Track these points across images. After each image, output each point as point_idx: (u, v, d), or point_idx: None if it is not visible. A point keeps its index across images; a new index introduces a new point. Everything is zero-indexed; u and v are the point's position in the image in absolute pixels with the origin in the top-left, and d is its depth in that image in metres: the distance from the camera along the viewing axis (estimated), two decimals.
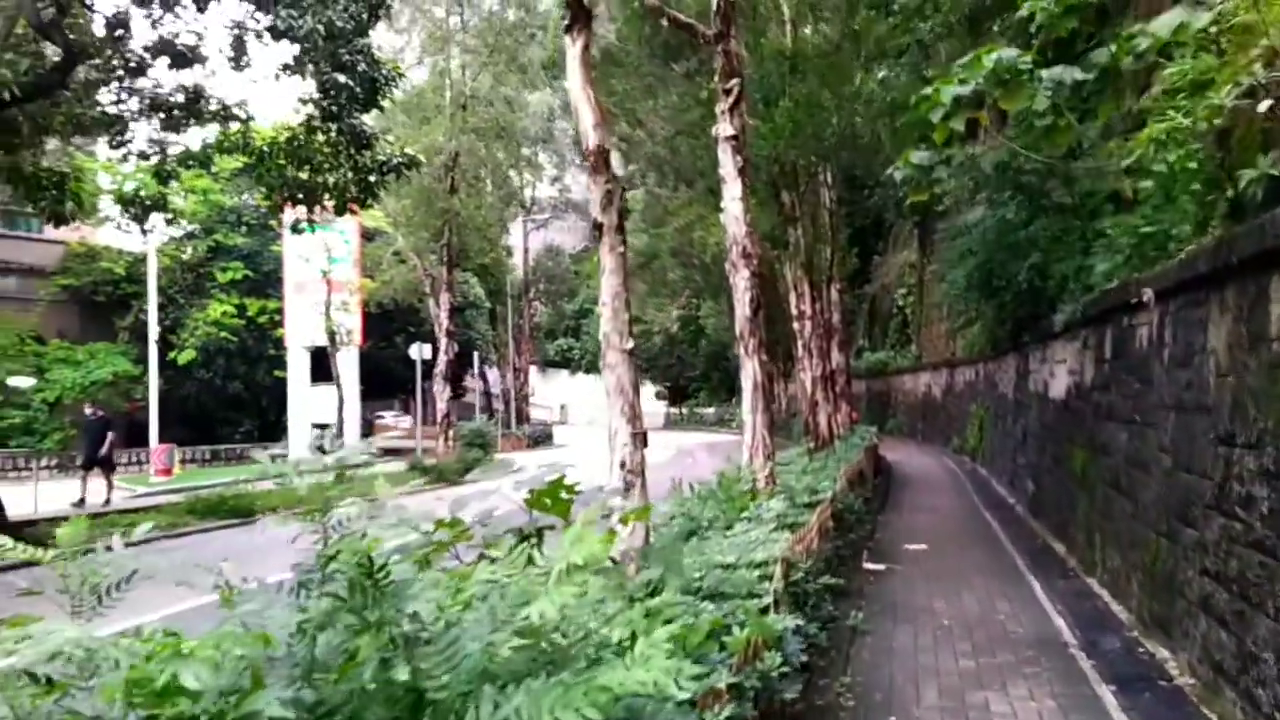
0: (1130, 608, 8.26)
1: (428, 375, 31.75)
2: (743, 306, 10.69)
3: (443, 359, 31.10)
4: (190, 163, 33.79)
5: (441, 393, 31.20)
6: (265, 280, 40.92)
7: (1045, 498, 13.63)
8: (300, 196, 18.99)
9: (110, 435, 21.30)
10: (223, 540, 15.76)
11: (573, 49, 6.58)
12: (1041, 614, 8.57)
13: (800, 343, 17.48)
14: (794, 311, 17.68)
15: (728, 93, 10.68)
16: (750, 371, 10.68)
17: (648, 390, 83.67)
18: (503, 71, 31.71)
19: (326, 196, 18.82)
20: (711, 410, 70.18)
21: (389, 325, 43.75)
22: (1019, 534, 13.26)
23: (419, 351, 29.59)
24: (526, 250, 63.48)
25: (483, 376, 63.48)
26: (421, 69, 32.04)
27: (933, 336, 37.03)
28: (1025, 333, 15.34)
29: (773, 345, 47.11)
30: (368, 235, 36.86)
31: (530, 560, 2.65)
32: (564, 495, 3.62)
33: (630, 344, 5.96)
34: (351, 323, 34.54)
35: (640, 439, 5.87)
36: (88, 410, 22.71)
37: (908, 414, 40.18)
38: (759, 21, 16.82)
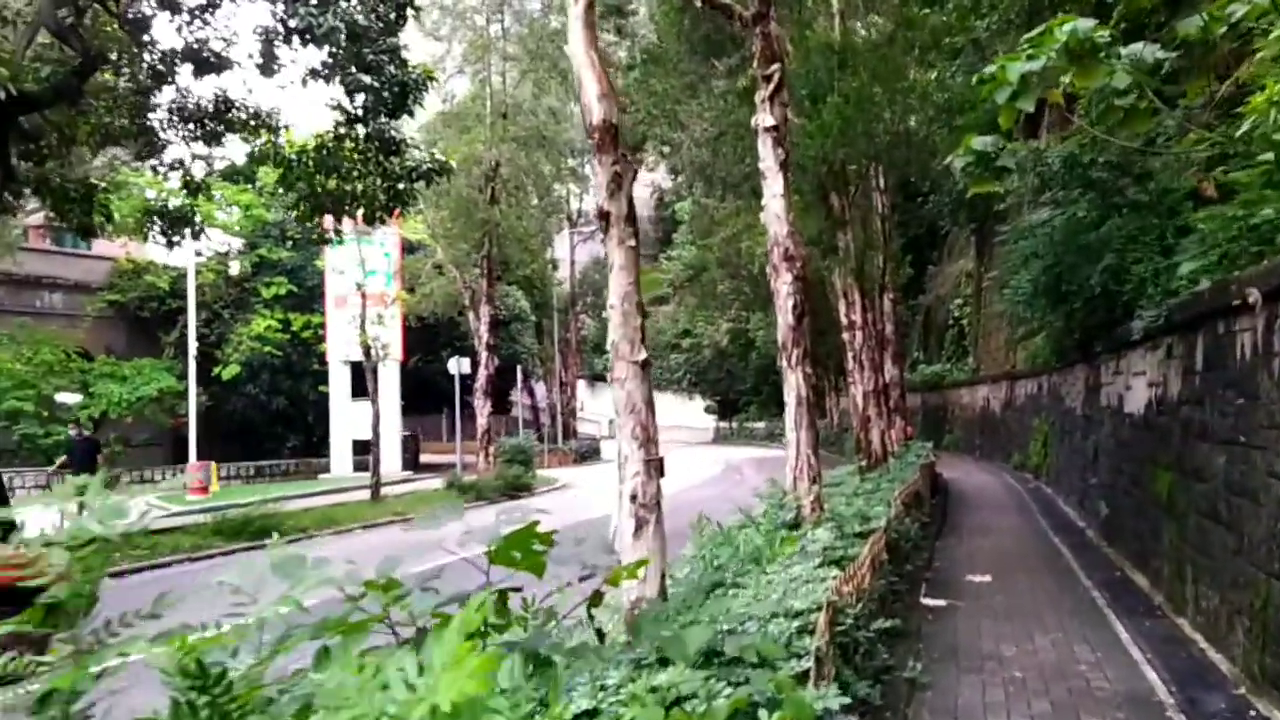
0: (1233, 658, 7.12)
1: (469, 390, 31.12)
2: (785, 314, 9.73)
3: (483, 373, 30.46)
4: (236, 176, 33.50)
5: (482, 408, 30.55)
6: (309, 295, 40.65)
7: (1121, 522, 12.42)
8: (329, 206, 18.41)
9: (100, 455, 20.88)
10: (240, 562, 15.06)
11: (575, 8, 5.72)
12: (1128, 663, 7.46)
13: (851, 354, 16.42)
14: (844, 321, 16.63)
15: (768, 79, 9.75)
16: (794, 384, 9.71)
17: (696, 404, 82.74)
18: (544, 79, 31.07)
19: (355, 205, 18.21)
20: (761, 425, 68.89)
21: (434, 340, 43.28)
22: (1093, 562, 12.07)
23: (458, 365, 28.93)
24: (573, 263, 62.91)
25: (529, 391, 63.08)
26: (462, 78, 31.53)
27: (991, 348, 35.57)
28: (1096, 342, 14.13)
29: (823, 357, 45.94)
30: (409, 248, 36.37)
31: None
32: (536, 546, 2.75)
33: (642, 354, 5.04)
34: (390, 336, 33.99)
35: (655, 467, 4.95)
36: (72, 431, 22.22)
37: (965, 429, 38.69)
38: (805, 14, 15.88)
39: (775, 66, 9.69)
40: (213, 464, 30.45)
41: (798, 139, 15.62)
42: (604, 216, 5.00)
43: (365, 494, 25.74)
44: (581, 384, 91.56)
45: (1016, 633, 8.49)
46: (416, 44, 33.62)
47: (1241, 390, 7.22)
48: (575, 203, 63.10)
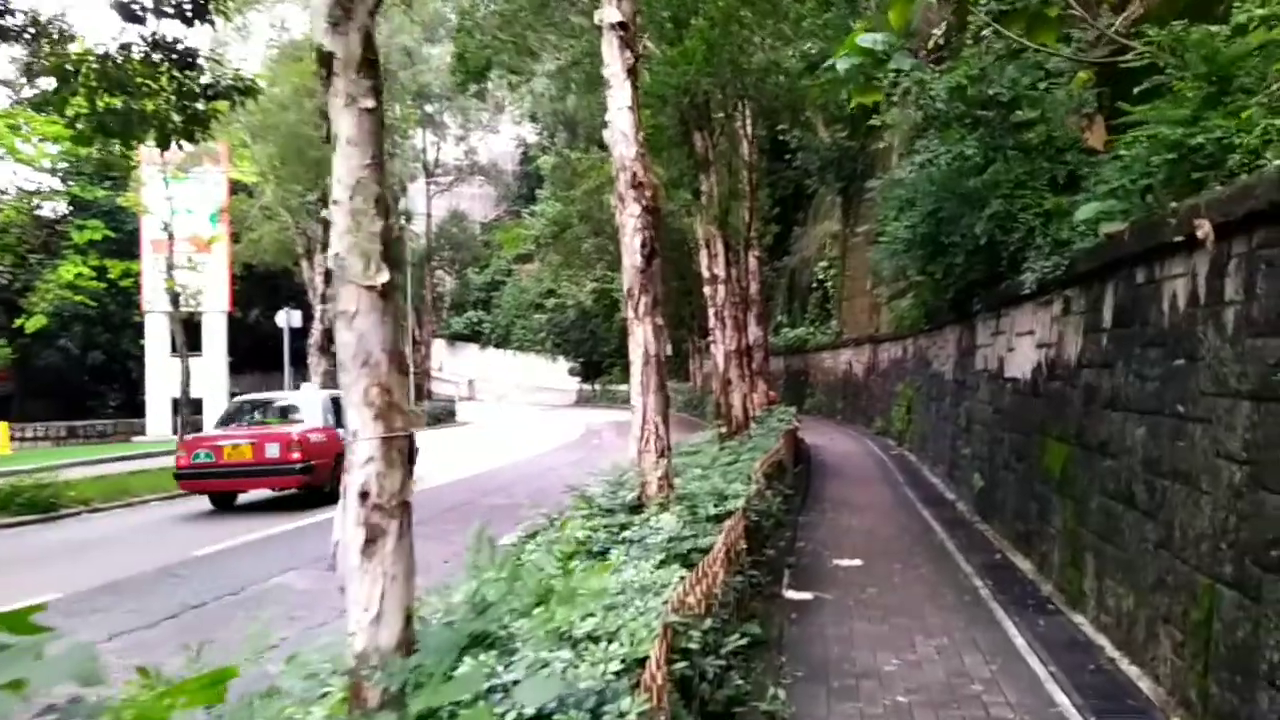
0: (1156, 675, 5.87)
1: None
2: (632, 253, 8.04)
3: (317, 328, 27.97)
4: (47, 107, 29.65)
5: (316, 366, 28.06)
6: (130, 239, 36.87)
7: (1000, 498, 11.34)
8: (113, 127, 15.73)
9: None
10: None
11: None
12: (1029, 679, 6.15)
13: (712, 310, 14.94)
14: (705, 274, 15.12)
15: None
16: (641, 338, 8.05)
17: (560, 366, 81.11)
18: (390, 7, 28.41)
19: (145, 128, 15.60)
20: (625, 387, 67.55)
21: (274, 292, 40.03)
22: (970, 543, 10.94)
23: (287, 318, 26.34)
24: (429, 215, 59.97)
25: None
26: (294, 5, 28.57)
27: (855, 311, 34.98)
28: (974, 300, 12.99)
29: (686, 317, 44.80)
30: (243, 191, 33.20)
31: None
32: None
33: (384, 274, 3.27)
34: (209, 284, 30.99)
35: (400, 450, 3.22)
36: None
37: (827, 393, 38.20)
38: None
39: None
40: (2, 423, 27.04)
41: (657, 68, 13.94)
42: (325, 61, 3.22)
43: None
44: (440, 344, 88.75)
45: (895, 637, 7.12)
46: None
47: (1172, 350, 5.92)
48: (433, 152, 60.10)
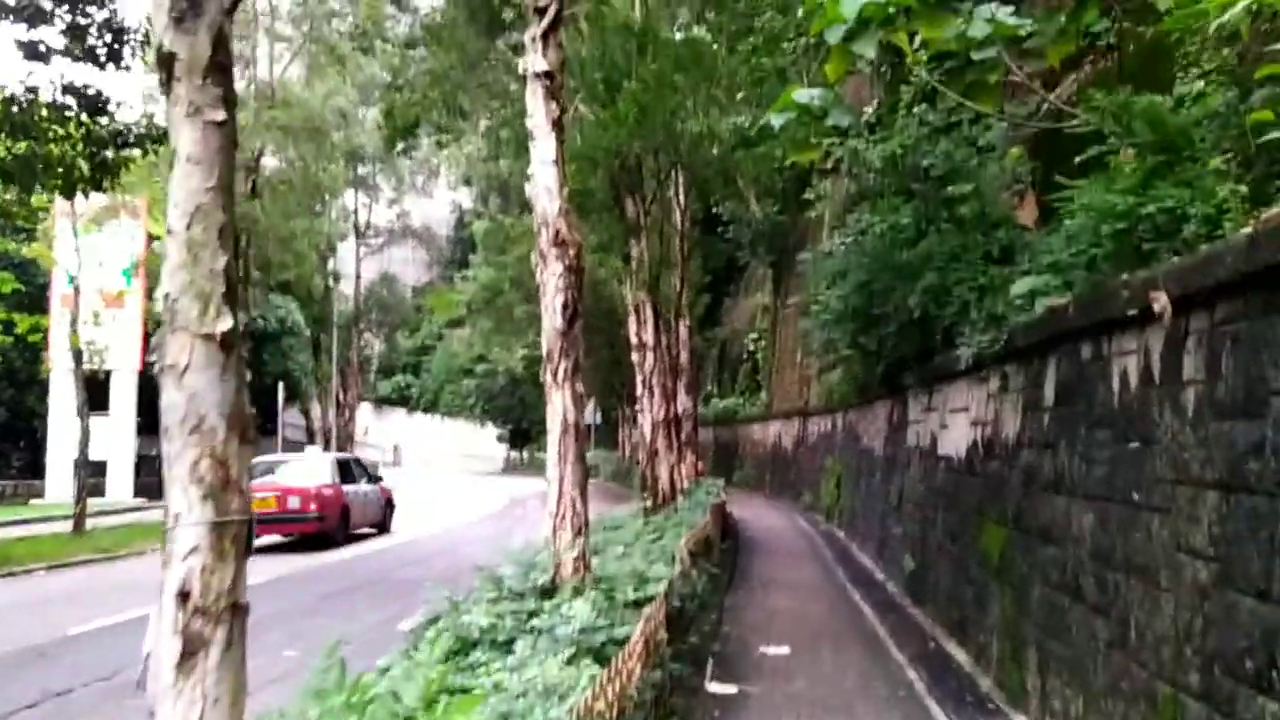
0: None
1: None
2: (553, 314, 7.51)
3: None
4: None
5: None
6: (41, 293, 35.35)
7: (933, 580, 10.88)
8: (16, 175, 14.83)
9: None
10: None
11: None
12: None
13: (640, 379, 14.45)
14: (634, 341, 14.65)
15: (541, 12, 7.57)
16: (560, 405, 7.49)
17: (489, 433, 79.88)
18: (320, 65, 27.94)
19: (51, 175, 14.74)
20: None
21: None
22: (902, 628, 10.43)
23: None
24: (358, 276, 58.93)
25: (304, 413, 58.45)
26: None
27: (785, 383, 34.83)
28: (905, 374, 12.69)
29: (617, 385, 44.27)
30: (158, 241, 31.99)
31: None
32: None
33: (226, 322, 2.68)
34: (119, 341, 29.65)
35: (231, 538, 2.59)
36: None
37: (756, 465, 37.82)
38: None
39: None
40: None
41: (589, 129, 13.61)
42: (166, 63, 2.65)
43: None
44: (367, 407, 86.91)
45: None
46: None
47: (1124, 432, 5.54)
48: (365, 213, 59.33)
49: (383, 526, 23.46)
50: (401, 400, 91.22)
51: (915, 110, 10.79)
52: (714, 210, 35.44)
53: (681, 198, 19.04)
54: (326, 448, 54.68)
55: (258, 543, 19.27)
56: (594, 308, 32.65)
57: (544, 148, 7.57)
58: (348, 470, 22.14)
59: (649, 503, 14.18)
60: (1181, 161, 5.73)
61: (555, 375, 7.49)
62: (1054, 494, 6.72)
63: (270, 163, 29.70)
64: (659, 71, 12.58)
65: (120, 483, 32.03)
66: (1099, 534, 5.81)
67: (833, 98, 6.09)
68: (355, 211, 56.96)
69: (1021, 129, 11.63)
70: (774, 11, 16.34)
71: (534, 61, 7.54)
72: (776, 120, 6.24)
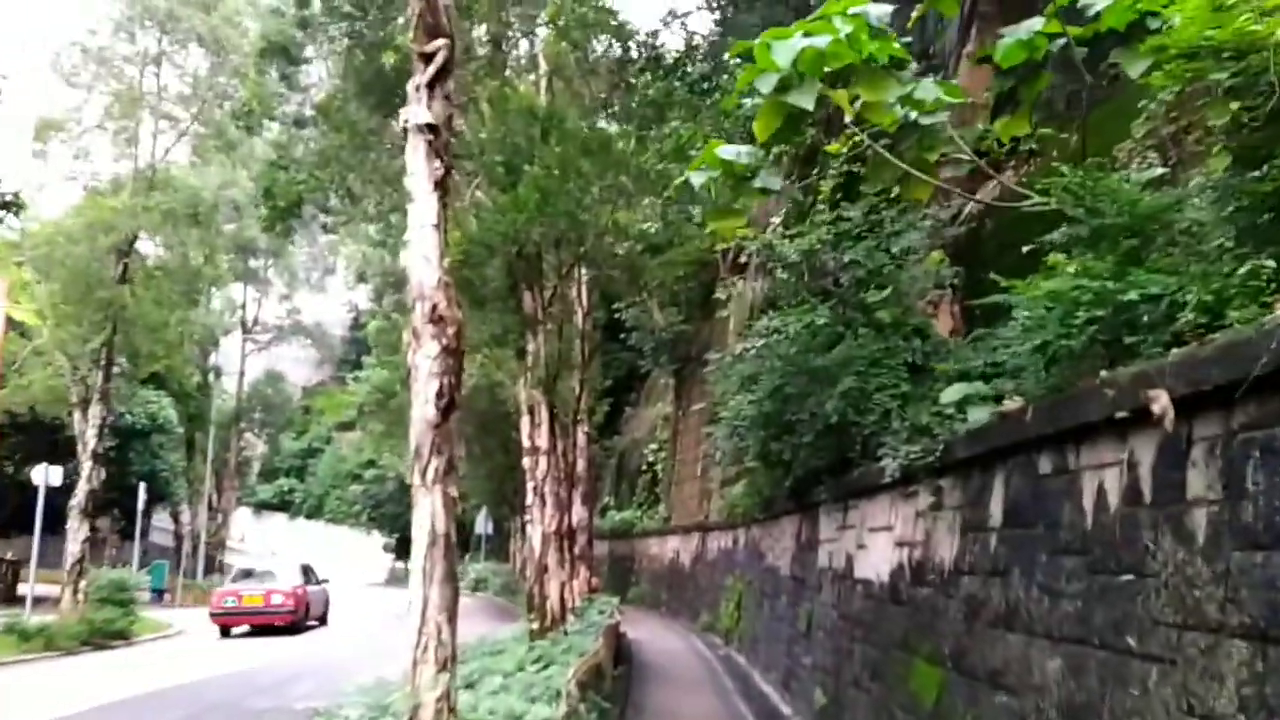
0: None
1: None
2: (425, 403, 6.36)
3: (83, 487, 24.47)
4: None
5: (76, 531, 24.40)
6: None
7: None
8: None
9: None
10: None
11: None
12: None
13: (531, 485, 13.21)
14: (526, 444, 13.46)
15: (427, 59, 6.62)
16: (428, 513, 6.27)
17: (375, 541, 76.49)
18: (207, 148, 26.62)
19: None
20: None
21: (57, 448, 35.55)
22: None
23: (45, 475, 22.85)
24: (242, 373, 56.28)
25: (174, 516, 54.79)
26: (102, 135, 26.31)
27: (684, 496, 33.75)
28: (818, 488, 11.75)
29: (509, 494, 42.53)
30: (20, 331, 29.62)
31: None
32: None
33: None
34: None
35: None
36: None
37: (653, 582, 36.38)
38: (506, 72, 13.20)
39: (440, 43, 6.59)
40: None
41: (485, 215, 12.67)
42: None
43: None
44: (246, 512, 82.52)
45: None
46: (51, 90, 28.28)
47: (1101, 561, 4.61)
48: (253, 308, 57.11)
49: (324, 620, 29.12)
50: (283, 505, 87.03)
51: (836, 204, 10.15)
52: (617, 316, 34.81)
53: (584, 297, 18.18)
54: (194, 554, 51.18)
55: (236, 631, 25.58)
56: (489, 410, 31.28)
57: (424, 209, 6.53)
58: (309, 574, 28.92)
59: (536, 624, 12.80)
60: (1160, 247, 5.00)
61: (425, 475, 6.28)
62: (1006, 631, 5.74)
63: (151, 248, 27.95)
64: (563, 155, 11.79)
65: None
66: (1070, 684, 4.82)
67: (761, 156, 5.24)
68: (243, 306, 54.70)
69: (940, 234, 11.14)
70: (680, 120, 15.93)
71: (416, 113, 6.55)
72: (696, 179, 5.35)
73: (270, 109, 15.86)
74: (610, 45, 12.53)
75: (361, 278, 47.64)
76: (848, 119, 5.75)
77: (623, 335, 36.01)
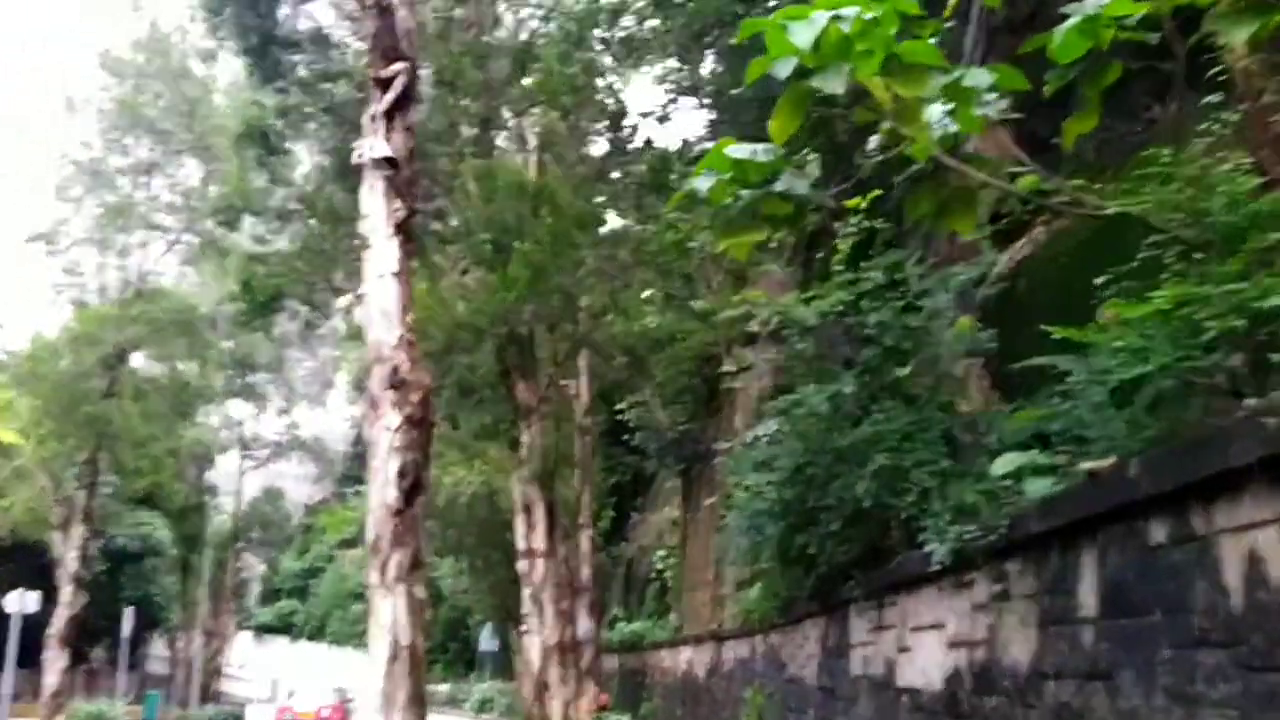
0: None
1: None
2: (384, 486, 5.28)
3: (63, 613, 23.03)
4: None
5: (54, 660, 22.87)
6: None
7: None
8: None
9: None
10: None
11: None
12: None
13: (528, 592, 11.96)
14: (521, 545, 12.24)
15: (384, 85, 5.74)
16: (388, 620, 5.15)
17: None
18: (199, 258, 26.04)
19: None
20: (445, 687, 61.18)
21: (42, 573, 34.05)
22: None
23: (21, 601, 21.49)
24: (239, 491, 54.84)
25: (170, 643, 52.79)
26: (88, 249, 25.74)
27: (696, 604, 32.02)
28: (846, 585, 10.46)
29: (513, 605, 40.73)
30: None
31: None
32: None
33: None
34: None
35: None
36: None
37: (666, 697, 34.26)
38: (492, 150, 12.45)
39: (399, 67, 5.71)
40: None
41: (473, 297, 11.74)
42: None
43: None
44: (246, 636, 79.96)
45: None
46: (38, 199, 27.85)
47: (1268, 653, 3.45)
48: (251, 424, 55.99)
49: None
50: (284, 628, 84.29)
51: (855, 264, 9.18)
52: (619, 417, 33.68)
53: (585, 392, 17.18)
54: (187, 682, 49.03)
55: None
56: (491, 518, 29.98)
57: (382, 256, 5.57)
58: (343, 692, 34.49)
59: None
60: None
61: (384, 573, 5.16)
62: None
63: (141, 361, 27.05)
64: (555, 229, 10.92)
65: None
66: None
67: (780, 155, 4.26)
68: (240, 422, 53.64)
69: (969, 296, 10.15)
70: (679, 212, 15.20)
71: (372, 145, 5.65)
72: (702, 184, 4.36)
73: (251, 202, 15.21)
74: (603, 110, 11.78)
75: (359, 387, 46.67)
76: (880, 124, 4.79)
77: (626, 437, 34.81)
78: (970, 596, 6.86)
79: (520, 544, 12.32)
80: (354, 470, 71.35)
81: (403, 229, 5.66)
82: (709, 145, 19.55)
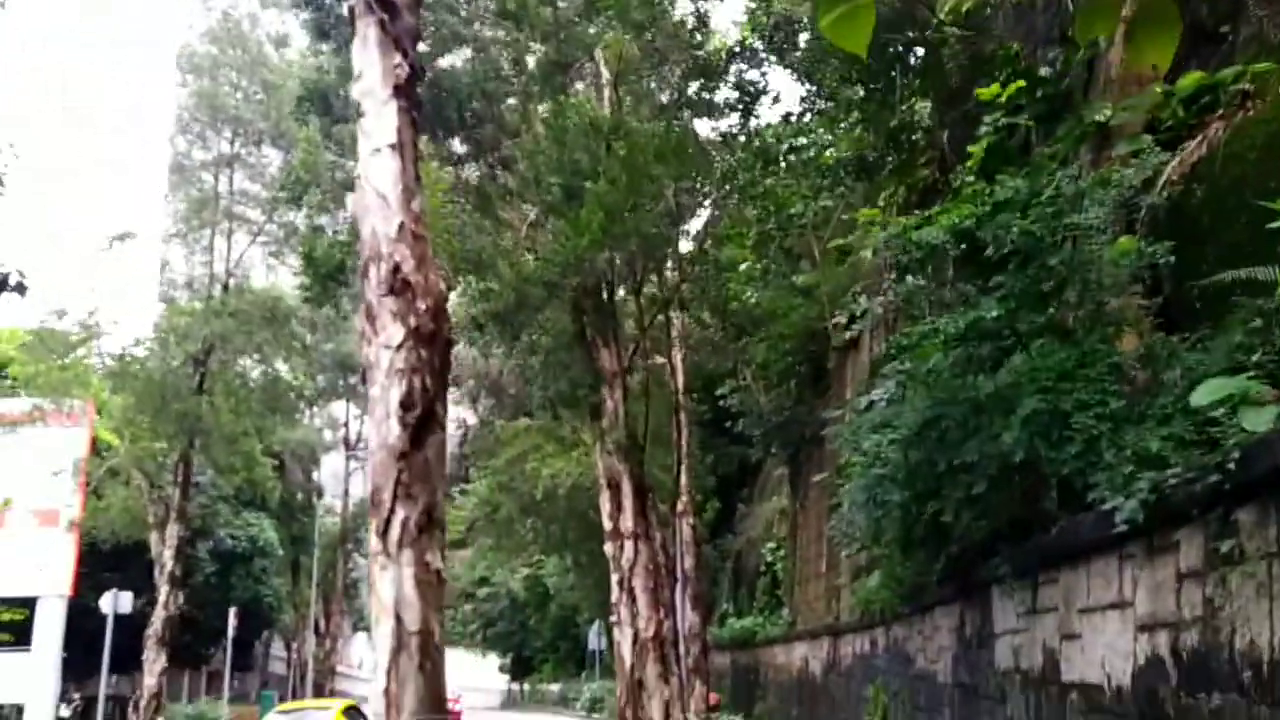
0: None
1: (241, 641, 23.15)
2: (386, 418, 3.99)
3: (160, 614, 22.72)
4: None
5: (153, 662, 22.57)
6: None
7: None
8: None
9: None
10: None
11: None
12: None
13: (616, 578, 10.61)
14: (607, 525, 10.91)
15: None
16: (388, 594, 3.89)
17: (490, 663, 74.00)
18: (284, 249, 25.59)
19: None
20: (556, 687, 60.61)
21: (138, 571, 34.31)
22: None
23: (113, 602, 21.21)
24: (346, 492, 55.20)
25: (287, 644, 53.51)
26: (179, 246, 25.60)
27: (809, 597, 30.28)
28: (989, 562, 8.78)
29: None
30: (96, 451, 28.58)
31: None
32: None
33: None
34: (49, 563, 25.86)
35: None
36: None
37: (780, 696, 32.64)
38: (558, 84, 11.15)
39: None
40: None
41: (541, 246, 10.46)
42: None
43: None
44: (361, 637, 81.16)
45: None
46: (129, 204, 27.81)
47: None
48: (356, 425, 56.36)
49: None
50: None
51: (989, 174, 7.55)
52: (721, 403, 32.18)
53: (679, 367, 15.79)
54: (302, 681, 49.50)
55: None
56: (589, 512, 28.84)
57: (379, 126, 4.29)
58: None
59: None
60: None
61: (386, 536, 3.86)
62: None
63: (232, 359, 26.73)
64: (629, 163, 9.52)
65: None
66: None
67: None
68: (346, 423, 54.00)
69: (1129, 209, 8.39)
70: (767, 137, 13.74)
71: None
72: None
73: (319, 176, 14.30)
74: (680, 28, 10.33)
75: (455, 382, 46.31)
76: None
77: (729, 424, 33.26)
78: (1173, 563, 5.22)
79: (606, 524, 11.00)
80: (462, 472, 71.56)
81: (404, 91, 4.39)
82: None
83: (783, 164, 15.38)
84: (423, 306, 4.06)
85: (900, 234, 7.54)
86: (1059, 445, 6.78)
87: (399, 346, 4.00)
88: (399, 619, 3.84)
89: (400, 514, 3.90)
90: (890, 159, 15.44)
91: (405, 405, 3.95)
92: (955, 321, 7.21)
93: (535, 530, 44.86)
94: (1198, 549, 4.93)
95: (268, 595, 43.74)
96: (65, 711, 28.35)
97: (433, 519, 3.99)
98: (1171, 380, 6.81)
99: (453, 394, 55.39)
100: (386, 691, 3.77)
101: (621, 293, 11.51)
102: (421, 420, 3.97)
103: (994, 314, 6.90)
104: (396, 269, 4.09)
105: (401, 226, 4.11)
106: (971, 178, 7.60)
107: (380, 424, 4.00)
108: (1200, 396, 5.51)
